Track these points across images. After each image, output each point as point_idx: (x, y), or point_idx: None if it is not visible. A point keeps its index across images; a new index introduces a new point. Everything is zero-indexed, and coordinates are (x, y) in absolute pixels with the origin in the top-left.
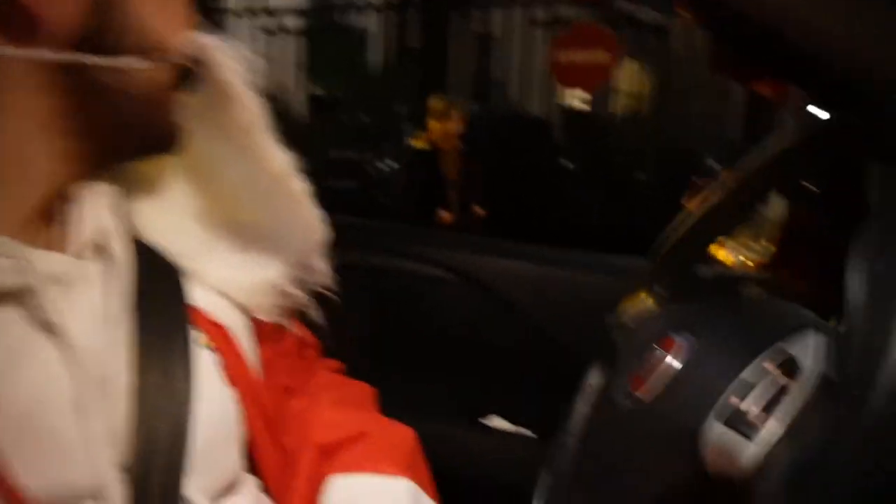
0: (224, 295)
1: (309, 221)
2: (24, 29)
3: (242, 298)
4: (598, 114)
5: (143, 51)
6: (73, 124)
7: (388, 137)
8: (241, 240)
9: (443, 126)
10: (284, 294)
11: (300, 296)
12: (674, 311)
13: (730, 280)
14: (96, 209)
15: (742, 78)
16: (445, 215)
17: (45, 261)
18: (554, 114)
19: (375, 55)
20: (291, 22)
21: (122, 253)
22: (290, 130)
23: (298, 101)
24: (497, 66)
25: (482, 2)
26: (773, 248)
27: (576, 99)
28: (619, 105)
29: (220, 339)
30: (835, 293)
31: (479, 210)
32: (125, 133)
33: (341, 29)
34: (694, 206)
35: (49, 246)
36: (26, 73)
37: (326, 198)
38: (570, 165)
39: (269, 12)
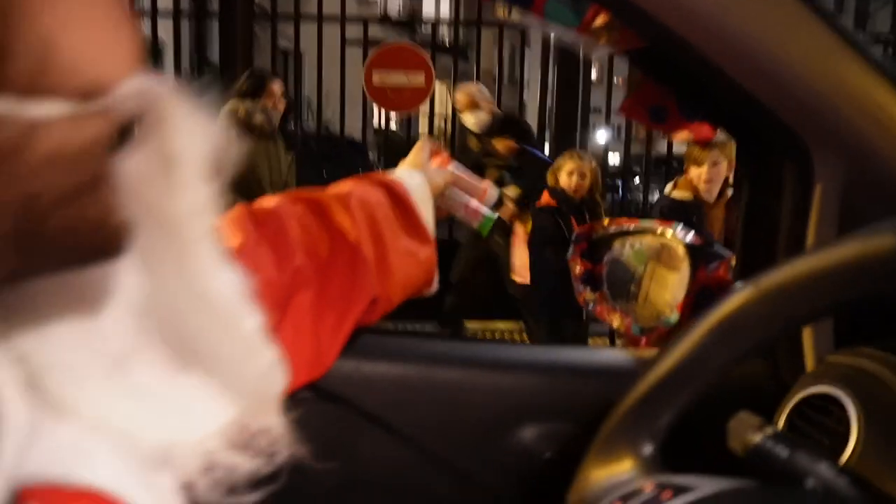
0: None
1: (262, 368)
2: None
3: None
4: (412, 136)
5: (68, 93)
6: None
7: None
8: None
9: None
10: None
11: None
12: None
13: None
14: None
15: (657, 123)
16: None
17: None
18: (370, 136)
19: (171, 68)
20: None
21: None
22: None
23: None
24: (307, 85)
25: (289, 16)
26: (677, 315)
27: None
28: (429, 126)
29: None
30: None
31: None
32: (47, 224)
33: None
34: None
35: None
36: None
37: None
38: None
39: None
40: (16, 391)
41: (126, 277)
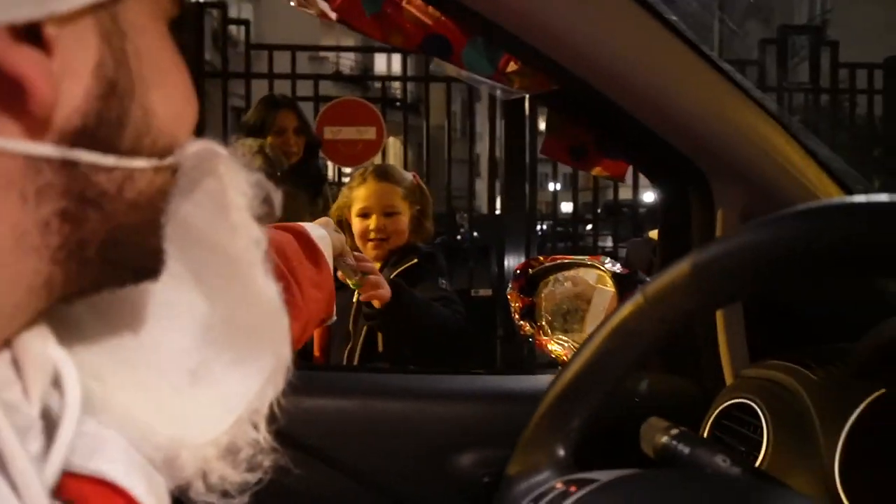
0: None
1: (287, 356)
2: (17, 113)
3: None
4: None
5: (156, 150)
6: (56, 241)
7: None
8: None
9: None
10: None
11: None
12: None
13: None
14: (46, 348)
15: (577, 161)
16: None
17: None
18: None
19: None
20: None
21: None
22: None
23: None
24: None
25: (240, 74)
26: None
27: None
28: None
29: None
30: None
31: None
32: (114, 255)
33: None
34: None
35: None
36: (5, 171)
37: None
38: None
39: None
40: (76, 392)
41: (182, 296)
